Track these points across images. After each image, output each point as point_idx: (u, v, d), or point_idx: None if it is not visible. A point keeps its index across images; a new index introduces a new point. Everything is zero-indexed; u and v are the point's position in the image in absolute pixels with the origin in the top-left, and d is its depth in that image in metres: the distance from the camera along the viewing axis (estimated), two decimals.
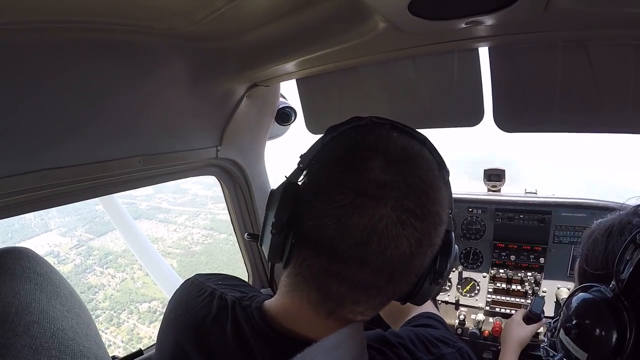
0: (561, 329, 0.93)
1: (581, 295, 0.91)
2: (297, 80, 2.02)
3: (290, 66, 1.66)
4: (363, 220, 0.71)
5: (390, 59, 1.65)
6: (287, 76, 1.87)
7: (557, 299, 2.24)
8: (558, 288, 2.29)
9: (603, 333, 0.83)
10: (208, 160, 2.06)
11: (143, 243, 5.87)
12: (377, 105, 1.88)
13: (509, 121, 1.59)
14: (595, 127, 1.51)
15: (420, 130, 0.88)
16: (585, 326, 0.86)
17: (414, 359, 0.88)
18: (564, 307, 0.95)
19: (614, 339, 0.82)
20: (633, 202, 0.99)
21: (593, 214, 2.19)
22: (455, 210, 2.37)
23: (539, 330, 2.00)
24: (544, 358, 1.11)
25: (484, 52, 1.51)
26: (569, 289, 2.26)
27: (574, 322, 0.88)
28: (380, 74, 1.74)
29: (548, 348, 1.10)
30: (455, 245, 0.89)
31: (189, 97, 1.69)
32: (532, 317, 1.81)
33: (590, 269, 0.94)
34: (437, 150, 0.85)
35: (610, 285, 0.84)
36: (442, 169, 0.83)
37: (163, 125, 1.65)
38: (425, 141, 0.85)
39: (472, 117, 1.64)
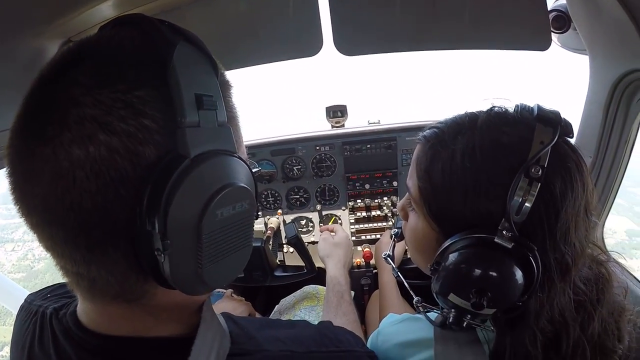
0: (450, 293, 0.81)
1: (470, 252, 0.79)
2: None
3: (108, 9, 1.41)
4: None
5: None
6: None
7: None
8: None
9: (514, 289, 0.77)
10: None
11: None
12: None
13: (350, 44, 1.58)
14: (435, 44, 1.59)
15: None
16: (492, 290, 0.76)
17: None
18: (444, 265, 0.82)
19: (522, 286, 0.77)
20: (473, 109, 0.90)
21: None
22: (303, 151, 2.39)
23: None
24: (422, 311, 1.00)
25: None
26: None
27: (474, 290, 0.76)
28: (210, 10, 1.59)
29: (426, 305, 1.01)
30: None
31: None
32: (398, 234, 1.90)
33: (454, 208, 0.83)
34: None
35: (504, 232, 0.75)
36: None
37: None
38: None
39: (310, 45, 1.60)
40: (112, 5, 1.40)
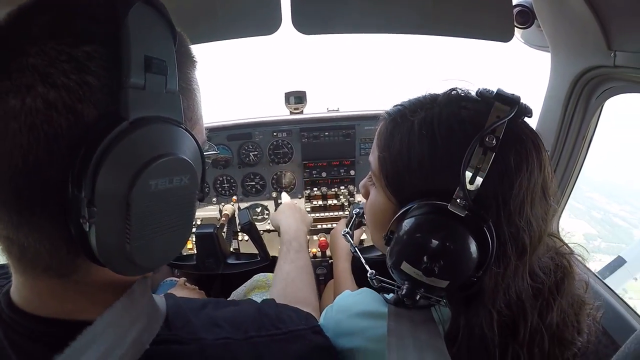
0: (402, 262, 0.80)
1: (423, 220, 0.79)
2: None
3: None
4: None
5: None
6: None
7: None
8: None
9: (467, 258, 0.76)
10: None
11: None
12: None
13: (308, 23, 1.53)
14: (397, 27, 1.57)
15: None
16: (445, 258, 0.75)
17: None
18: (397, 234, 0.82)
19: (476, 259, 0.76)
20: (437, 89, 0.89)
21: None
22: (260, 136, 2.31)
23: (363, 237, 2.12)
24: (375, 286, 1.01)
25: None
26: None
27: (426, 257, 0.75)
28: None
29: (380, 277, 1.00)
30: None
31: None
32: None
33: (411, 178, 0.83)
34: None
35: (458, 201, 0.75)
36: None
37: None
38: None
39: (269, 23, 1.54)
40: None
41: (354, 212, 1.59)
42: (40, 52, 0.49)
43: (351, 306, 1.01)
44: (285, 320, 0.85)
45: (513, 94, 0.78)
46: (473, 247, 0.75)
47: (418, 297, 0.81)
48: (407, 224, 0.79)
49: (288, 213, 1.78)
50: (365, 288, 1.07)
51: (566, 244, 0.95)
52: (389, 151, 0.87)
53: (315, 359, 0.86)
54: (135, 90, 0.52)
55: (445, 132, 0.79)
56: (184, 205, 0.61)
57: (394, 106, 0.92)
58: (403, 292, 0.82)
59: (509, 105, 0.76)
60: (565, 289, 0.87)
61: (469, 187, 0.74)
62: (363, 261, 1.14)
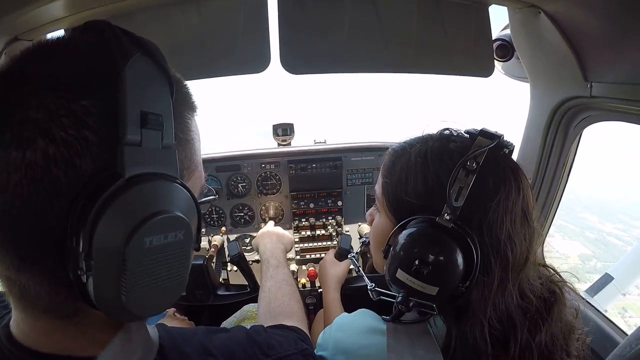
0: (397, 269, 0.91)
1: (415, 230, 0.90)
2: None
3: (57, 9, 1.33)
4: None
5: (170, 3, 1.49)
6: (56, 24, 1.47)
7: (359, 234, 2.43)
8: (359, 225, 2.50)
9: (453, 265, 0.86)
10: None
11: None
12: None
13: (296, 63, 1.56)
14: (381, 67, 1.62)
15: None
16: (433, 263, 0.86)
17: None
18: (394, 247, 0.93)
19: (462, 267, 0.86)
20: (431, 130, 1.04)
21: (380, 155, 2.34)
22: (248, 168, 2.34)
23: (351, 267, 2.12)
24: (374, 299, 1.10)
25: None
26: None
27: (417, 262, 0.86)
28: (161, 19, 1.55)
29: (378, 289, 1.10)
30: None
31: None
32: (342, 253, 1.88)
33: (408, 198, 0.94)
34: None
35: (445, 215, 0.86)
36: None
37: None
38: None
39: (258, 62, 1.57)
40: (62, 6, 1.34)
41: (361, 240, 1.67)
42: (40, 105, 0.50)
43: (351, 324, 1.07)
44: (274, 346, 0.86)
45: (496, 131, 0.92)
46: (458, 255, 0.85)
47: (411, 304, 0.91)
48: (402, 236, 0.91)
49: (264, 235, 1.82)
50: (362, 309, 1.12)
51: (558, 273, 1.02)
52: (391, 178, 0.99)
53: None
54: (131, 147, 0.53)
55: (436, 160, 0.93)
56: (179, 259, 0.61)
57: (397, 144, 1.06)
58: (399, 299, 0.92)
59: (490, 139, 0.89)
60: (555, 314, 0.94)
61: (454, 203, 0.86)
62: (364, 276, 1.26)
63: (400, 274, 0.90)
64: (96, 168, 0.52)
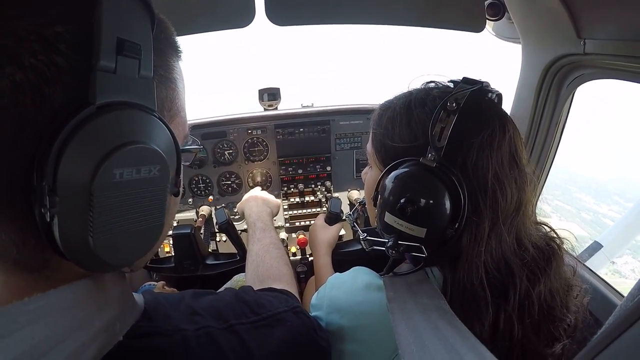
0: (385, 213, 0.92)
1: (400, 172, 0.91)
2: None
3: None
4: None
5: None
6: None
7: (349, 200, 2.42)
8: (349, 191, 2.48)
9: (439, 203, 0.86)
10: None
11: None
12: None
13: (282, 14, 1.52)
14: (370, 18, 1.57)
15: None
16: (418, 201, 0.87)
17: None
18: (381, 192, 0.94)
19: (449, 207, 0.87)
20: (416, 85, 1.05)
21: (369, 118, 2.33)
22: (234, 134, 2.29)
23: (341, 232, 2.11)
24: (367, 249, 1.08)
25: None
26: (358, 191, 2.44)
27: (402, 200, 0.87)
28: None
29: (370, 238, 1.08)
30: None
31: None
32: (332, 217, 1.87)
33: (394, 143, 0.96)
34: None
35: (428, 156, 0.87)
36: None
37: None
38: None
39: (242, 16, 1.51)
40: None
41: (359, 201, 1.67)
42: (10, 32, 0.46)
43: (345, 282, 1.06)
44: (264, 304, 0.84)
45: (479, 79, 0.92)
46: (444, 194, 0.86)
47: (402, 248, 0.92)
48: (388, 179, 0.93)
49: (249, 199, 1.80)
50: (357, 267, 1.10)
51: (554, 230, 1.03)
52: (379, 129, 1.01)
53: (300, 340, 0.85)
54: (105, 73, 0.49)
55: (419, 106, 0.95)
56: (153, 198, 0.58)
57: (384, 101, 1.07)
58: (389, 244, 0.93)
59: (472, 85, 0.90)
60: (554, 268, 0.95)
61: (437, 144, 0.86)
62: (357, 228, 1.28)
63: (388, 217, 0.92)
64: (66, 98, 0.48)
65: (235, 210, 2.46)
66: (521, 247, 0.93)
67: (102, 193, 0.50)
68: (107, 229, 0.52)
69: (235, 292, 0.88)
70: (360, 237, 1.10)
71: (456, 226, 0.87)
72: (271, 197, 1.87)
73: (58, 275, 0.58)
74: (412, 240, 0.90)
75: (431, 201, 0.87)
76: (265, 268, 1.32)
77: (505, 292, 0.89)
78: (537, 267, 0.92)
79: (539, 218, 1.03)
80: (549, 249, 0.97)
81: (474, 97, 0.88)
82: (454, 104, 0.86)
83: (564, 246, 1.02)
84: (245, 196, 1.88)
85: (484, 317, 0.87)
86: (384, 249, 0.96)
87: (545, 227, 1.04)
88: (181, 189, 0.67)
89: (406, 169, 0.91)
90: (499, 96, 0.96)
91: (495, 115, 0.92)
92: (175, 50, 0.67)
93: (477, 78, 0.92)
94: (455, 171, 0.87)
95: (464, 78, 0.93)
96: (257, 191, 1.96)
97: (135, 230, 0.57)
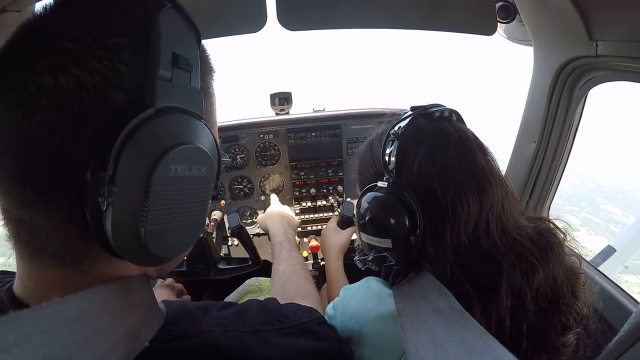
0: (361, 233, 1.05)
1: (363, 196, 1.05)
2: None
3: None
4: None
5: None
6: None
7: None
8: None
9: (393, 215, 0.97)
10: None
11: None
12: None
13: (293, 19, 1.53)
14: (382, 22, 1.58)
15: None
16: (378, 217, 0.99)
17: None
18: (357, 215, 1.08)
19: (405, 217, 0.96)
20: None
21: (380, 122, 2.32)
22: (246, 139, 2.31)
23: (354, 237, 2.10)
24: (362, 268, 1.18)
25: None
26: None
27: (367, 218, 1.01)
28: None
29: (360, 258, 1.18)
30: None
31: None
32: (345, 221, 1.86)
33: (362, 176, 1.14)
34: None
35: (384, 178, 1.00)
36: None
37: None
38: None
39: (254, 21, 1.53)
40: None
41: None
42: (77, 38, 0.52)
43: (357, 291, 1.11)
44: (289, 315, 0.87)
45: (428, 104, 1.07)
46: (396, 206, 0.96)
47: (371, 257, 1.06)
48: (359, 206, 1.06)
49: (276, 216, 1.81)
50: (367, 277, 1.15)
51: (558, 227, 1.06)
52: (356, 168, 1.20)
53: (324, 350, 0.87)
54: (162, 81, 0.55)
55: (376, 141, 1.11)
56: (199, 196, 0.64)
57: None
58: (369, 259, 1.07)
59: (415, 110, 1.05)
60: (553, 257, 0.98)
61: (388, 167, 0.99)
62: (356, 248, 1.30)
63: (364, 237, 1.05)
64: (126, 100, 0.54)
65: (249, 217, 2.47)
66: (507, 240, 0.96)
67: (158, 185, 0.55)
68: (158, 220, 0.57)
69: (260, 302, 0.91)
70: (355, 260, 1.21)
71: (417, 233, 0.96)
72: (293, 217, 1.89)
73: (92, 271, 0.60)
74: (385, 251, 1.02)
75: (386, 214, 0.98)
76: (293, 286, 1.36)
77: (494, 283, 0.93)
78: (533, 256, 0.95)
79: (545, 214, 1.05)
80: (543, 239, 1.00)
81: (414, 121, 1.02)
82: (397, 131, 1.00)
83: (567, 237, 1.05)
84: (269, 210, 1.90)
85: (474, 309, 0.90)
86: (372, 264, 1.08)
87: (543, 221, 1.07)
88: (219, 193, 0.71)
89: (367, 193, 1.04)
90: (452, 112, 1.08)
91: (435, 130, 1.01)
92: (211, 69, 0.74)
93: (424, 104, 1.07)
94: (404, 185, 0.97)
95: (411, 107, 1.07)
96: (278, 205, 1.98)
97: (180, 225, 0.62)
